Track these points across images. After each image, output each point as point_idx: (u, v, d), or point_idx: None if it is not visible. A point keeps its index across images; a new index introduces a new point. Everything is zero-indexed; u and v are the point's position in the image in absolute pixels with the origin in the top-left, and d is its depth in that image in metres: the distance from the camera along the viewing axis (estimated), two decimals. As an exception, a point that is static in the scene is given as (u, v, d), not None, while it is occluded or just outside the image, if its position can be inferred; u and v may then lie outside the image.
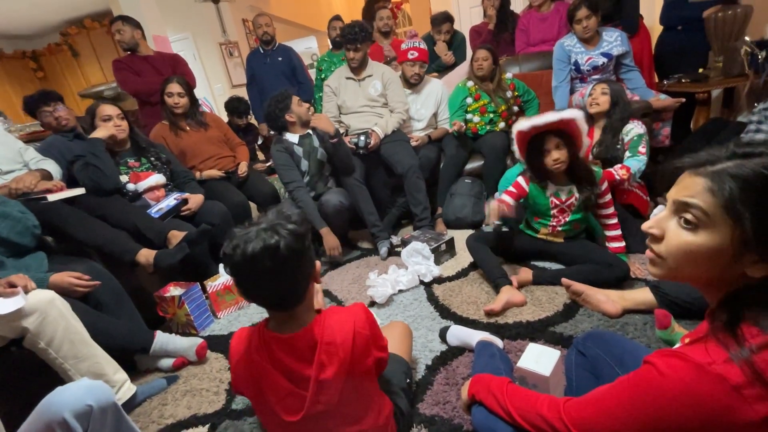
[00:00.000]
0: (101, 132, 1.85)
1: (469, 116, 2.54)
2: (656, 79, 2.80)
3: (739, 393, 0.45)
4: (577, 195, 1.60)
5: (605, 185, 1.61)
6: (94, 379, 1.23)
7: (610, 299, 1.37)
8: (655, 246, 0.58)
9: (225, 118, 3.28)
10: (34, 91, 2.21)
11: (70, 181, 1.87)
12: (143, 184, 1.97)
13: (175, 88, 2.25)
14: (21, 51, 5.30)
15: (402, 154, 2.31)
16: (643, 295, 1.34)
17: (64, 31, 5.24)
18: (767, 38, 2.32)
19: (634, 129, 1.84)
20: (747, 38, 2.33)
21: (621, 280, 1.51)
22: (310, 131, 2.19)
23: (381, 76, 2.44)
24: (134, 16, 2.71)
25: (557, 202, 1.64)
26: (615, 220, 1.62)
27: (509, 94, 2.54)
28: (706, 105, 2.53)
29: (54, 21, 5.05)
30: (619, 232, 1.62)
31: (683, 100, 2.27)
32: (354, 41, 2.32)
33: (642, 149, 1.81)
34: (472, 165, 2.50)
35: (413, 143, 2.45)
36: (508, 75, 2.60)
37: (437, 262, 1.95)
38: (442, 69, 3.16)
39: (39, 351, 1.22)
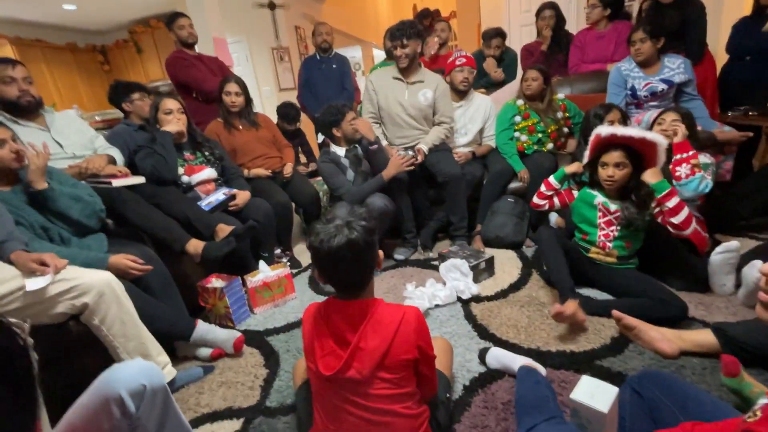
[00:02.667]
0: (172, 127, 1.96)
1: (516, 134, 2.50)
2: (718, 110, 2.66)
3: None
4: (623, 211, 1.55)
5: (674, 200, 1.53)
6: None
7: (666, 338, 1.29)
8: None
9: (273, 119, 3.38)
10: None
11: (131, 170, 1.98)
12: (196, 177, 2.05)
13: (233, 87, 2.36)
14: (92, 45, 5.72)
15: (445, 163, 2.29)
16: (703, 337, 1.25)
17: (131, 29, 5.61)
18: None
19: (701, 158, 1.75)
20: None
21: (677, 319, 1.42)
22: (356, 144, 2.22)
23: (435, 86, 2.36)
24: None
25: (605, 212, 1.59)
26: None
27: (560, 114, 2.49)
28: (774, 141, 2.38)
29: (124, 19, 5.44)
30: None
31: (751, 134, 2.15)
32: (400, 36, 2.21)
33: (708, 175, 1.72)
34: (516, 184, 2.45)
35: (456, 158, 2.44)
36: (560, 95, 2.55)
37: (475, 280, 1.91)
38: (491, 86, 3.14)
39: (93, 327, 1.28)
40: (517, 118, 2.49)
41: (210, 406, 1.35)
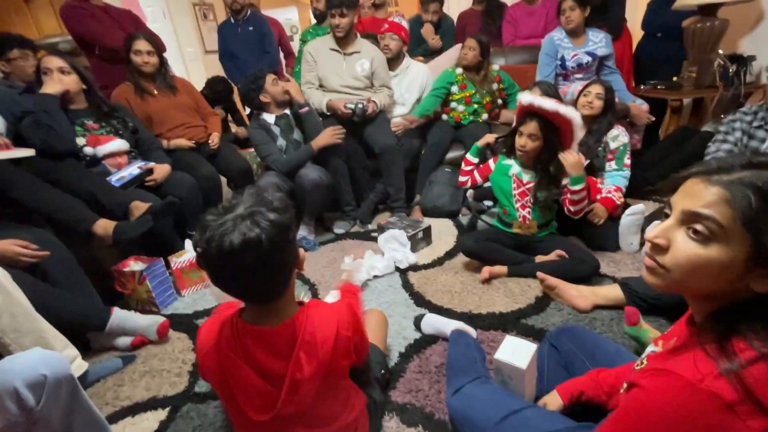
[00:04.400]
0: (53, 87, 1.66)
1: (453, 105, 2.51)
2: (633, 84, 2.88)
3: (732, 410, 0.43)
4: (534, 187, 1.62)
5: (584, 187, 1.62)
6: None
7: (582, 294, 1.41)
8: (659, 257, 0.54)
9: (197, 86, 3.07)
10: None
11: (17, 140, 1.68)
12: (103, 149, 1.81)
13: (143, 45, 2.06)
14: (-39, -11, 4.71)
15: (380, 134, 2.28)
16: (612, 292, 1.38)
17: (13, -28, 4.69)
18: (739, 53, 2.41)
19: (620, 137, 1.87)
20: (720, 51, 2.43)
21: (591, 275, 1.55)
22: (287, 111, 2.14)
23: (372, 57, 2.36)
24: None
25: (519, 183, 1.66)
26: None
27: (495, 86, 2.53)
28: (678, 113, 2.64)
29: (2, -41, 4.52)
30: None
31: (653, 118, 2.35)
32: (339, 5, 2.17)
33: (627, 161, 1.88)
34: (453, 154, 2.48)
35: (393, 128, 2.41)
36: (495, 67, 2.59)
37: (413, 249, 1.93)
38: (429, 53, 3.10)
39: (-25, 324, 1.10)
40: (454, 89, 2.49)
41: (131, 398, 1.24)
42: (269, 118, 2.11)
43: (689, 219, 0.51)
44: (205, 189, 2.04)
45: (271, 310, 0.74)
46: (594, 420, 0.73)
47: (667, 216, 0.55)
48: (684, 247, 0.51)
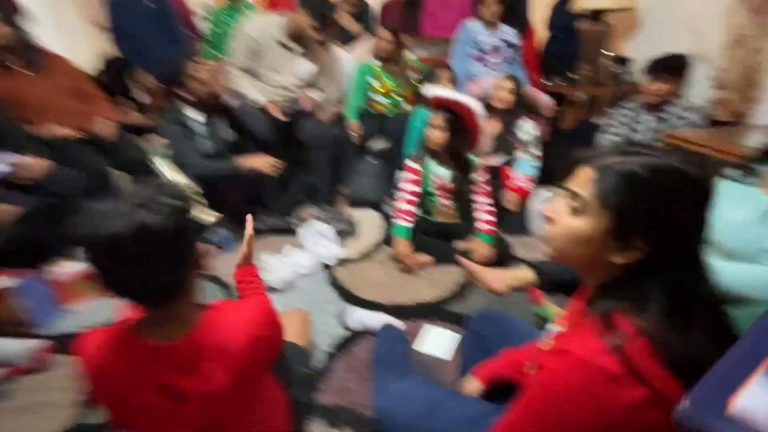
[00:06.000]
0: None
1: (376, 98, 2.49)
2: (542, 80, 3.12)
3: (617, 381, 0.48)
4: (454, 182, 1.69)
5: (486, 176, 1.73)
6: None
7: (498, 277, 1.48)
8: (548, 228, 0.62)
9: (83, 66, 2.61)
10: None
11: None
12: (-53, 141, 1.45)
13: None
14: None
15: (309, 124, 2.19)
16: (524, 274, 1.48)
17: None
18: (623, 55, 2.74)
19: (530, 129, 2.01)
20: (610, 53, 2.74)
21: (507, 259, 1.67)
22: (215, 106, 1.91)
23: (314, 58, 2.24)
24: None
25: (438, 182, 1.71)
26: (489, 208, 1.73)
27: (414, 75, 2.56)
28: (574, 107, 2.93)
29: None
30: (490, 217, 1.71)
31: (558, 108, 2.59)
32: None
33: (537, 152, 2.02)
34: (378, 146, 2.47)
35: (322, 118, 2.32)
36: (413, 57, 2.61)
37: (339, 243, 1.89)
38: (348, 39, 3.02)
39: None
40: (375, 83, 2.46)
41: (1, 445, 1.04)
42: (198, 117, 1.84)
43: (569, 196, 0.59)
44: (94, 186, 1.76)
45: (170, 317, 0.65)
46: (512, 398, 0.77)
47: None
48: (562, 219, 0.59)
